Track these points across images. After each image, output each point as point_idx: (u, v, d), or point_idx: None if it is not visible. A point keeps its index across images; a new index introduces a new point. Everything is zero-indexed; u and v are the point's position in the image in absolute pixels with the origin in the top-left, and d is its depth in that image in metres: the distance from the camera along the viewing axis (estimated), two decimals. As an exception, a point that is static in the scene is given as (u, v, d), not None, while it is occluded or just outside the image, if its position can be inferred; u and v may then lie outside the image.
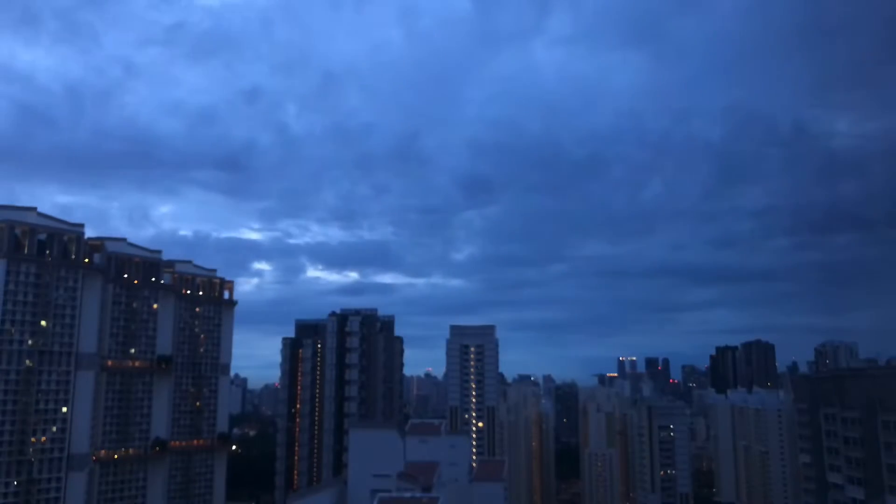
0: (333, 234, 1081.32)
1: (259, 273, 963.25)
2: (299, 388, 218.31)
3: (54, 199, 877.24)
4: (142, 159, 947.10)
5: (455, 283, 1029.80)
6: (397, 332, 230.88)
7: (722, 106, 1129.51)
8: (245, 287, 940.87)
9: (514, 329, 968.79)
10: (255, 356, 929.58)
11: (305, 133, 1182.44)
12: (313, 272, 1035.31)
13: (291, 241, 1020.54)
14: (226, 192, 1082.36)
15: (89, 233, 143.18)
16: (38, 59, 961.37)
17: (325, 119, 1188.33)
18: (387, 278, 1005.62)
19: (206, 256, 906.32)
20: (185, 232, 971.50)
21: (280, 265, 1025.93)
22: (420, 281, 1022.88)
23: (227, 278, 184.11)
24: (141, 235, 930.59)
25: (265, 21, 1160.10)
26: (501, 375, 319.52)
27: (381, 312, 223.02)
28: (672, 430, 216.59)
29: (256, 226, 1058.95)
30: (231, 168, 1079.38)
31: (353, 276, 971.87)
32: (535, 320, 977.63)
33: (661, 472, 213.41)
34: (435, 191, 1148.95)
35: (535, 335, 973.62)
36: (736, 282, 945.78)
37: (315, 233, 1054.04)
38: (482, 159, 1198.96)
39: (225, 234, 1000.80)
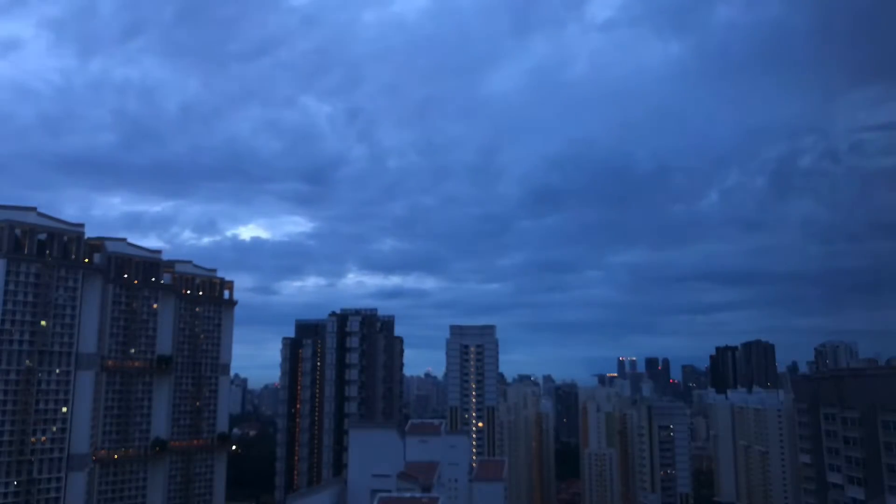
0: (389, 241, 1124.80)
1: (306, 276, 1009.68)
2: (299, 388, 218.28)
3: (124, 208, 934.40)
4: (229, 173, 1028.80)
5: (491, 287, 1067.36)
6: (400, 332, 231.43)
7: (770, 112, 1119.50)
8: (288, 290, 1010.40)
9: (535, 330, 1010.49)
10: (261, 356, 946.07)
11: (392, 149, 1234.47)
12: (358, 277, 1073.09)
13: (347, 246, 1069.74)
14: (301, 202, 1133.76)
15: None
16: (165, 78, 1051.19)
17: (415, 135, 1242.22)
18: (428, 282, 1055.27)
19: (258, 260, 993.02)
20: (245, 237, 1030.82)
21: (328, 269, 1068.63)
22: (457, 285, 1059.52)
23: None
24: (200, 242, 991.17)
25: (377, 46, 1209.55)
26: (501, 375, 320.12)
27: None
28: (672, 430, 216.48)
29: (316, 233, 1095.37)
30: (314, 181, 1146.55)
31: (396, 280, 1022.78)
32: (557, 322, 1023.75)
33: (661, 472, 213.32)
34: (501, 201, 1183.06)
35: (552, 336, 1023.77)
36: (763, 287, 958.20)
37: (372, 239, 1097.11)
38: (554, 172, 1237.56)
39: (284, 240, 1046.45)
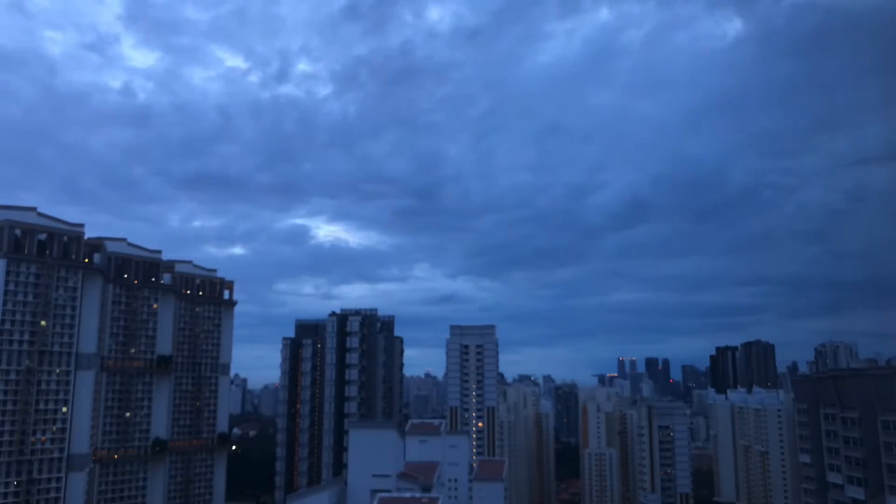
0: (465, 251, 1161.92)
1: (374, 280, 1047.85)
2: (299, 388, 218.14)
3: (224, 221, 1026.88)
4: (344, 190, 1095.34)
5: (541, 293, 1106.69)
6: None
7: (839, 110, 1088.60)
8: (352, 293, 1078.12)
9: (568, 332, 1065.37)
10: (261, 356, 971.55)
11: (506, 168, 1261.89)
12: (419, 283, 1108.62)
13: (421, 256, 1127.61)
14: (401, 215, 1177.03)
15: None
16: (323, 103, 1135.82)
17: (532, 156, 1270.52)
18: (481, 289, 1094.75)
19: (329, 268, 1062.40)
20: (329, 244, 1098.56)
21: (396, 275, 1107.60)
22: (507, 291, 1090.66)
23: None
24: (278, 250, 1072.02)
25: (509, 82, 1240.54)
26: (501, 375, 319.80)
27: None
28: (672, 430, 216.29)
29: (397, 243, 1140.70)
30: (422, 197, 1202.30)
31: (454, 287, 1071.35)
32: (581, 325, 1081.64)
33: (661, 472, 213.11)
34: (591, 214, 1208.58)
35: (574, 338, 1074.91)
36: (799, 293, 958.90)
37: (448, 250, 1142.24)
38: (648, 188, 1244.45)
39: (360, 249, 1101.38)
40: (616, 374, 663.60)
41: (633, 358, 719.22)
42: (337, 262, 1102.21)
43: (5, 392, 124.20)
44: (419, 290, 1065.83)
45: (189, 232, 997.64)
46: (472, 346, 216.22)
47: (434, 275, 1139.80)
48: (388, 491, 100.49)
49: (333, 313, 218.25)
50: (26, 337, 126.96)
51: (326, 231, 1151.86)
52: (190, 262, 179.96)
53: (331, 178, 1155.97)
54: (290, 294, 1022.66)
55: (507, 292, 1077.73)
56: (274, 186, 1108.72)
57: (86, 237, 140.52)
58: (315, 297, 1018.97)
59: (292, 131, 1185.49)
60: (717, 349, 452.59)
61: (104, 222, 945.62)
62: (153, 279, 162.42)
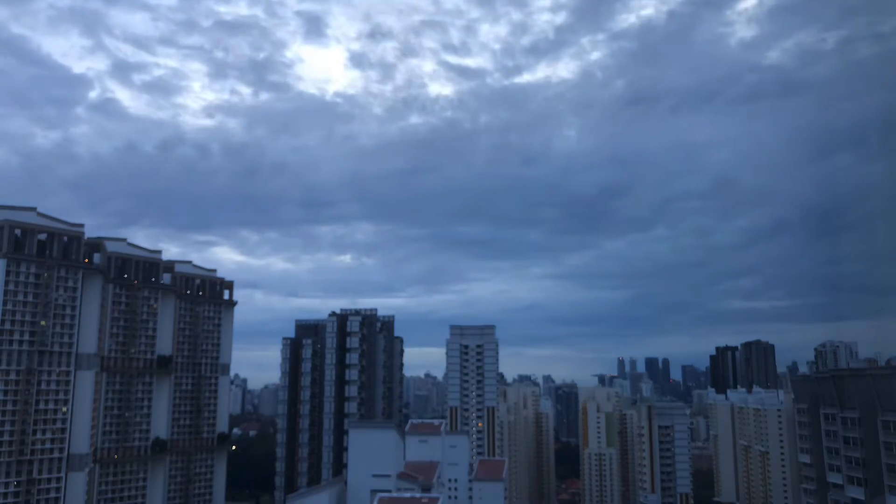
0: (578, 268, 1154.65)
1: (474, 290, 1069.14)
2: (299, 388, 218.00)
3: (380, 238, 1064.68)
4: (507, 213, 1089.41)
5: (608, 301, 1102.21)
6: (397, 332, 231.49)
7: None
8: (438, 300, 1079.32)
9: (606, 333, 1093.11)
10: (256, 357, 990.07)
11: (676, 196, 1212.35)
12: (519, 293, 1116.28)
13: (537, 269, 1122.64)
14: (549, 233, 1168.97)
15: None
16: (555, 148, 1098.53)
17: (708, 183, 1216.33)
18: (560, 301, 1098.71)
19: (439, 279, 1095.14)
20: (446, 263, 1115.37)
21: (497, 288, 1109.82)
22: (583, 303, 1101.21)
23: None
24: (405, 264, 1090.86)
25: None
26: (501, 375, 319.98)
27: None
28: (672, 430, 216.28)
29: (518, 261, 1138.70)
30: (580, 219, 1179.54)
31: (549, 297, 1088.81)
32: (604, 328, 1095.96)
33: (661, 473, 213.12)
34: (729, 234, 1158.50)
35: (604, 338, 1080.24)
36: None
37: (565, 266, 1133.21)
38: (792, 210, 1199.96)
39: (482, 265, 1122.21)
40: (616, 374, 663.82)
41: (633, 358, 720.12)
42: (444, 278, 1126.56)
43: (5, 392, 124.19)
44: (508, 300, 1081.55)
45: (336, 243, 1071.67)
46: (472, 346, 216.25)
47: (538, 286, 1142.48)
48: (388, 491, 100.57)
49: (333, 313, 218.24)
50: (26, 337, 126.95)
51: (453, 250, 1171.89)
52: (190, 262, 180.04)
53: (508, 204, 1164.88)
54: (386, 305, 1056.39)
55: (583, 301, 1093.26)
56: (453, 212, 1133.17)
57: (86, 237, 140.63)
58: (407, 305, 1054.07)
59: (517, 174, 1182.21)
60: (717, 349, 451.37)
61: (270, 239, 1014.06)
62: (153, 279, 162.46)
